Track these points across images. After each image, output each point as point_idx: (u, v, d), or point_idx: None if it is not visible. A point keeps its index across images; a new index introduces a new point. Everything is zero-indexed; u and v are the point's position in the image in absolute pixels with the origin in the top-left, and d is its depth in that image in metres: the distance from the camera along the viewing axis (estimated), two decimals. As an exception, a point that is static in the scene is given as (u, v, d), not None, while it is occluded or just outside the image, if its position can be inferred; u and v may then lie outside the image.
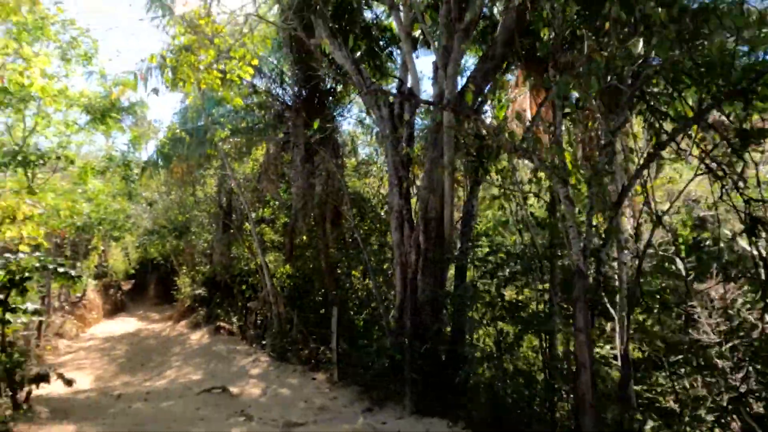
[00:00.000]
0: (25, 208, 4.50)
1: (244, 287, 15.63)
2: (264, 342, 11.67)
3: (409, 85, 8.64)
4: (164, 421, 5.95)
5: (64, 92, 10.26)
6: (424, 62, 39.83)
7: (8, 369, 6.10)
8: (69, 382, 6.43)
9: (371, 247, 13.28)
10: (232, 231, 14.98)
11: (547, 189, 5.62)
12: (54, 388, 9.35)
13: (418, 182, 9.17)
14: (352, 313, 11.15)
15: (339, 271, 13.52)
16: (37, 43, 9.29)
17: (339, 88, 13.64)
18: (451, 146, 7.20)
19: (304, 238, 15.43)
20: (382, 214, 13.90)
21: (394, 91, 10.75)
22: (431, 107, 8.10)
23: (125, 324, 17.89)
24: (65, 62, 9.82)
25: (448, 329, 7.33)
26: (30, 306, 6.47)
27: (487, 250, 7.37)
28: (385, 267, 12.41)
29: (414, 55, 8.82)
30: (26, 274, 6.26)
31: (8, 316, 6.20)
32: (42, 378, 6.24)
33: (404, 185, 8.20)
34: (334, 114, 14.08)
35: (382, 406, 6.14)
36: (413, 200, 8.76)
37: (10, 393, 6.31)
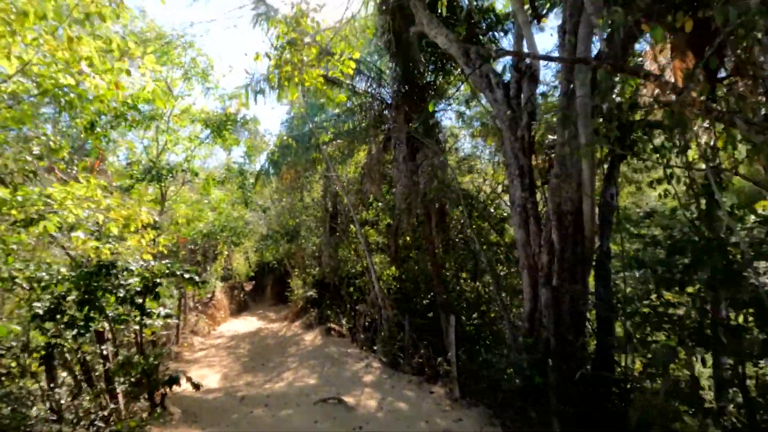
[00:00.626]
0: (143, 216, 4.48)
1: (351, 289, 15.58)
2: (375, 347, 11.26)
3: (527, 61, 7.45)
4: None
5: (188, 110, 11.00)
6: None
7: (145, 371, 6.39)
8: (197, 387, 6.56)
9: (482, 248, 12.22)
10: (338, 233, 15.03)
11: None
12: (188, 385, 10.07)
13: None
14: (463, 318, 10.20)
15: (447, 273, 12.67)
16: (164, 67, 10.01)
17: (439, 80, 12.82)
18: (587, 123, 5.88)
19: (408, 239, 14.89)
20: (492, 210, 12.75)
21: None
22: (558, 83, 6.84)
23: (248, 323, 19.11)
24: (187, 81, 10.50)
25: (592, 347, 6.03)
26: (162, 311, 6.71)
27: (636, 246, 5.95)
28: (498, 268, 11.25)
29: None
30: (157, 280, 6.49)
31: (144, 320, 6.48)
32: (173, 381, 6.42)
33: (527, 175, 7.04)
34: (436, 109, 13.28)
35: (520, 437, 5.14)
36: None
37: (147, 394, 6.63)
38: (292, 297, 18.70)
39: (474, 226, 12.45)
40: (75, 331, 5.40)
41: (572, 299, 5.72)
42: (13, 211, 4.41)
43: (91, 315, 5.60)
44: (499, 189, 13.19)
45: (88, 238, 4.59)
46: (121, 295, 5.98)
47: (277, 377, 10.12)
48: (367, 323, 13.79)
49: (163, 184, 10.20)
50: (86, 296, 5.63)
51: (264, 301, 24.62)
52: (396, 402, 7.20)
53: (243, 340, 15.14)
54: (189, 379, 6.55)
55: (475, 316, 10.60)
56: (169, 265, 6.60)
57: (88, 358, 6.42)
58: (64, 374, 5.63)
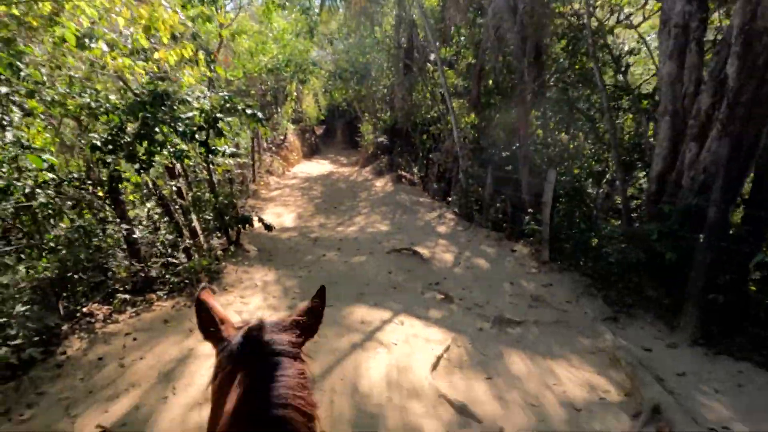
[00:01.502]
0: (168, 17, 3.34)
1: (425, 137, 14.40)
2: (450, 199, 10.52)
3: None
4: (357, 281, 5.35)
5: None
6: None
7: (218, 209, 6.16)
8: (269, 228, 6.31)
9: (587, 92, 9.98)
10: (413, 73, 13.15)
11: None
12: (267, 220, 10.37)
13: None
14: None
15: (537, 123, 10.87)
16: None
17: None
18: None
19: (491, 82, 12.74)
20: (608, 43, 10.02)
21: None
22: None
23: (319, 166, 19.18)
24: None
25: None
26: (228, 149, 6.12)
27: None
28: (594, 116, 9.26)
29: None
30: (218, 115, 5.73)
31: (211, 158, 5.97)
32: (245, 220, 6.20)
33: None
34: None
35: (630, 317, 4.31)
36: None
37: (223, 232, 6.55)
38: (363, 142, 18.02)
39: (577, 66, 10.03)
40: (138, 165, 4.98)
41: (743, 156, 4.12)
42: (29, 18, 3.50)
43: (152, 149, 5.10)
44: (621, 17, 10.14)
45: (116, 53, 3.68)
46: (180, 129, 5.34)
47: (349, 221, 10.00)
48: (440, 173, 12.95)
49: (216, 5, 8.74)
50: (143, 130, 5.05)
51: (335, 145, 24.45)
52: (474, 258, 6.62)
53: (315, 183, 15.21)
54: (261, 220, 6.29)
55: (560, 172, 9.14)
56: (227, 97, 5.73)
57: (165, 192, 6.24)
58: (138, 210, 5.51)
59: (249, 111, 6.06)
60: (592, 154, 9.11)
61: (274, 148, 17.72)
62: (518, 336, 3.94)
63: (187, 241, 5.53)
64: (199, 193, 6.02)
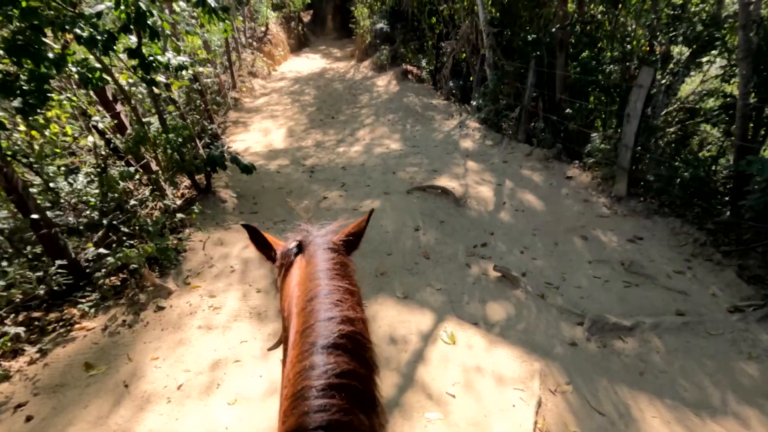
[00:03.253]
0: None
1: (434, 20, 11.52)
2: (472, 102, 8.37)
3: None
4: (373, 247, 3.78)
5: None
6: None
7: (175, 148, 4.32)
8: (248, 170, 4.53)
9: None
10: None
11: None
12: (251, 141, 8.36)
13: None
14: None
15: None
16: None
17: None
18: None
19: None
20: None
21: None
22: None
23: (310, 61, 16.29)
24: None
25: None
26: (173, 58, 4.02)
27: None
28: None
29: None
30: (142, 4, 3.55)
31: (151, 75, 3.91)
32: (214, 162, 4.42)
33: None
34: None
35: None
36: None
37: (188, 177, 4.79)
38: (358, 30, 14.91)
39: None
40: (19, 102, 3.07)
41: None
42: None
43: (40, 72, 3.13)
44: None
45: None
46: (85, 34, 3.26)
47: (351, 137, 8.07)
48: (454, 66, 10.49)
49: None
50: (18, 38, 3.02)
51: (325, 35, 20.89)
52: (521, 192, 4.94)
53: (307, 84, 12.76)
54: (235, 161, 4.49)
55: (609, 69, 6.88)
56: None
57: (102, 127, 4.34)
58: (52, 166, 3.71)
59: (190, -7, 3.88)
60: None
61: (255, 44, 14.74)
62: (638, 359, 2.49)
63: (132, 201, 3.84)
64: (133, 132, 4.09)
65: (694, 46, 5.00)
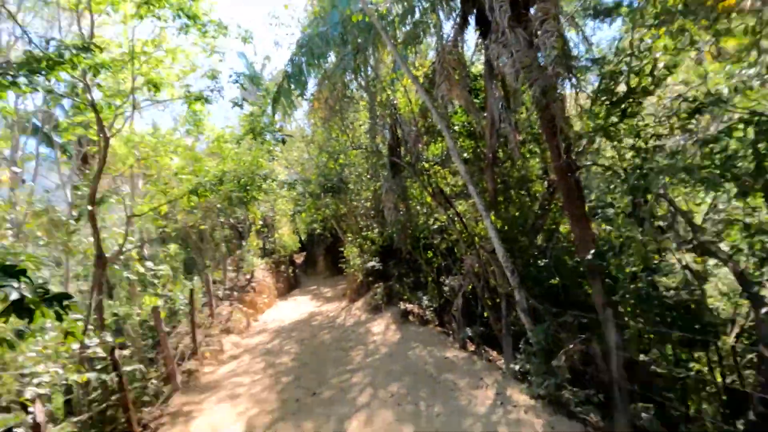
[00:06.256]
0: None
1: (430, 254, 10.11)
2: (512, 366, 5.72)
3: None
4: None
5: None
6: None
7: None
8: None
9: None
10: (402, 174, 9.35)
11: None
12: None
13: None
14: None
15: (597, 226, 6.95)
16: None
17: None
18: None
19: (509, 166, 9.19)
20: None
21: None
22: None
23: (298, 305, 14.42)
24: None
25: None
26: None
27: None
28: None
29: None
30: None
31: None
32: None
33: None
34: None
35: None
36: None
37: None
38: (348, 269, 13.63)
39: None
40: None
41: None
42: None
43: None
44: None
45: None
46: None
47: (338, 436, 5.02)
48: (465, 303, 8.35)
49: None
50: None
51: (317, 274, 19.97)
52: None
53: (290, 337, 10.31)
54: None
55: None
56: None
57: None
58: None
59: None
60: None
61: (236, 294, 13.08)
62: None
63: None
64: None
65: None
